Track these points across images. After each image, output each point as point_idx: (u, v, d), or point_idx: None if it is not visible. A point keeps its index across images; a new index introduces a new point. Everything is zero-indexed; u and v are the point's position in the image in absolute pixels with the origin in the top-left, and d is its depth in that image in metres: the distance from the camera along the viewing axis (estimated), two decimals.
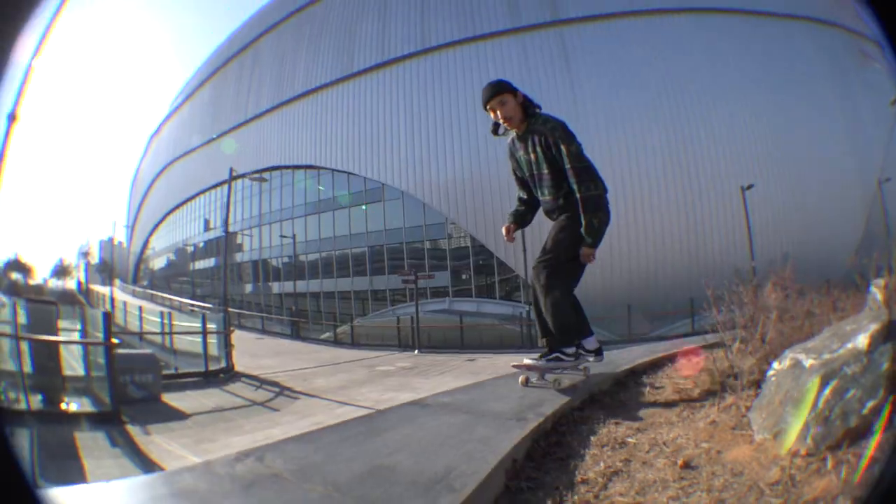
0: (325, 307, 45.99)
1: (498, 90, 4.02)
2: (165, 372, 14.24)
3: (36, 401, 10.27)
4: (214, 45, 72.25)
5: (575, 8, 39.38)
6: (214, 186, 56.80)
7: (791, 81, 34.76)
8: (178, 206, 67.75)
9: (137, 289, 66.49)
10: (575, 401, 3.38)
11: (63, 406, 10.81)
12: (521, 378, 4.03)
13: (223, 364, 16.45)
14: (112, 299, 45.81)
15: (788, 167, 33.46)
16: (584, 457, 2.30)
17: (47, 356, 11.59)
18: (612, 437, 2.57)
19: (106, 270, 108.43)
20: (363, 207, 43.44)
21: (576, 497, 1.89)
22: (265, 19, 58.31)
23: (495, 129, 4.17)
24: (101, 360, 11.92)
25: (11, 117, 12.58)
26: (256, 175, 32.95)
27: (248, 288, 53.09)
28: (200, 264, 63.17)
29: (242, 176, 34.51)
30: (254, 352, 19.90)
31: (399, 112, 41.57)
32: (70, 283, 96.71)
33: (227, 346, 16.79)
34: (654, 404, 3.21)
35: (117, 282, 76.94)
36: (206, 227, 60.68)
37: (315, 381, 14.48)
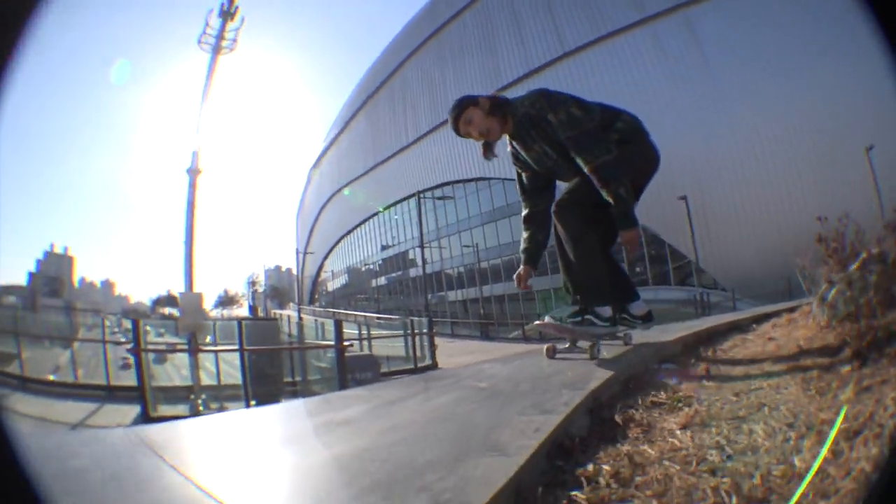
0: (509, 309, 47.18)
1: (457, 113, 3.49)
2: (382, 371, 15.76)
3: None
4: (359, 77, 75.87)
5: None
6: (388, 207, 59.89)
7: None
8: (351, 230, 71.92)
9: (317, 308, 71.03)
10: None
11: None
12: (545, 347, 3.55)
13: (428, 361, 18.61)
14: (300, 318, 50.07)
15: None
16: (722, 341, 3.95)
17: (270, 364, 13.96)
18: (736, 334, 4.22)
19: (277, 296, 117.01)
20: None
21: (714, 350, 3.62)
22: (404, 46, 60.89)
23: (486, 151, 3.63)
24: (323, 364, 14.15)
25: (194, 171, 15.13)
26: (440, 194, 35.45)
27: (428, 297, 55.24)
28: (380, 281, 66.57)
29: (430, 189, 36.59)
30: (449, 353, 20.97)
31: None
32: (237, 312, 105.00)
33: (431, 345, 18.96)
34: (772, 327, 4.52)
35: (291, 305, 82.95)
36: (386, 247, 64.23)
37: None
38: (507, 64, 46.94)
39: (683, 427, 1.78)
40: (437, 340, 20.41)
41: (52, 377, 18.46)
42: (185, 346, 15.32)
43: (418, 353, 18.82)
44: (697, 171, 32.71)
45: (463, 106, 3.47)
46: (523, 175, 3.76)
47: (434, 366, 18.35)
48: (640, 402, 2.18)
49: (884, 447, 1.26)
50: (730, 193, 33.38)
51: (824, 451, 1.33)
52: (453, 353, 21.87)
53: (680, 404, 2.09)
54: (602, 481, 1.40)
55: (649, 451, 1.59)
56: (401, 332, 20.70)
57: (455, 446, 1.54)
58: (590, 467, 1.49)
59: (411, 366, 17.92)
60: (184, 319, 15.43)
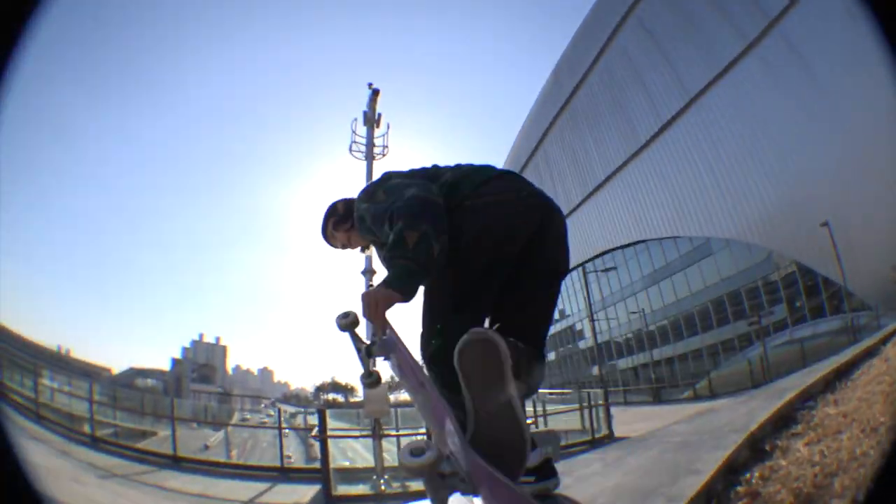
0: (679, 369, 45.80)
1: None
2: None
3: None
4: (503, 159, 78.35)
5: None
6: None
7: None
8: None
9: None
10: None
11: None
12: None
13: (605, 431, 18.63)
14: None
15: None
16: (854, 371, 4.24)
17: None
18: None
19: None
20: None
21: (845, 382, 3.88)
22: (538, 123, 63.35)
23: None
24: None
25: (368, 272, 16.05)
26: (602, 265, 35.90)
27: (595, 369, 54.25)
28: (549, 355, 65.72)
29: (590, 259, 36.86)
30: (623, 420, 20.95)
31: (697, 166, 41.32)
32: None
33: (608, 415, 19.01)
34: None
35: None
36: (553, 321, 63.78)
37: None
38: (640, 120, 47.14)
39: (806, 444, 2.60)
40: (612, 410, 20.39)
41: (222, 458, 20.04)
42: (369, 432, 16.33)
43: (594, 425, 18.92)
44: (832, 190, 31.12)
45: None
46: None
47: (612, 435, 18.42)
48: (783, 433, 2.94)
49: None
50: (871, 206, 29.78)
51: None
52: (627, 419, 21.58)
53: (810, 432, 2.86)
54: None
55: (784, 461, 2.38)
56: (576, 405, 20.91)
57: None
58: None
59: (588, 437, 18.01)
60: (369, 406, 16.38)
